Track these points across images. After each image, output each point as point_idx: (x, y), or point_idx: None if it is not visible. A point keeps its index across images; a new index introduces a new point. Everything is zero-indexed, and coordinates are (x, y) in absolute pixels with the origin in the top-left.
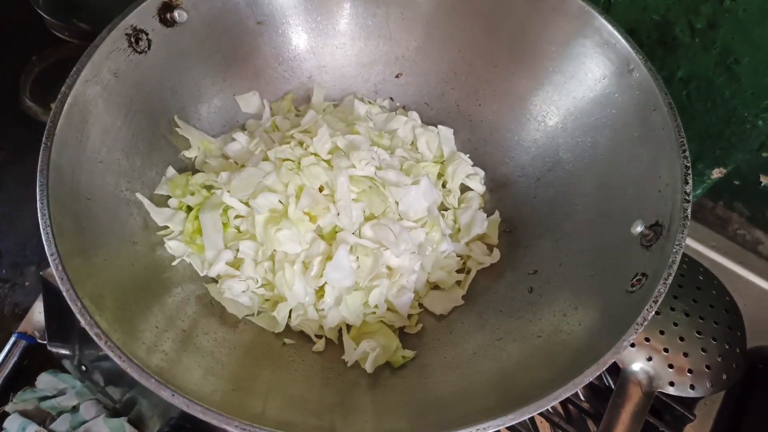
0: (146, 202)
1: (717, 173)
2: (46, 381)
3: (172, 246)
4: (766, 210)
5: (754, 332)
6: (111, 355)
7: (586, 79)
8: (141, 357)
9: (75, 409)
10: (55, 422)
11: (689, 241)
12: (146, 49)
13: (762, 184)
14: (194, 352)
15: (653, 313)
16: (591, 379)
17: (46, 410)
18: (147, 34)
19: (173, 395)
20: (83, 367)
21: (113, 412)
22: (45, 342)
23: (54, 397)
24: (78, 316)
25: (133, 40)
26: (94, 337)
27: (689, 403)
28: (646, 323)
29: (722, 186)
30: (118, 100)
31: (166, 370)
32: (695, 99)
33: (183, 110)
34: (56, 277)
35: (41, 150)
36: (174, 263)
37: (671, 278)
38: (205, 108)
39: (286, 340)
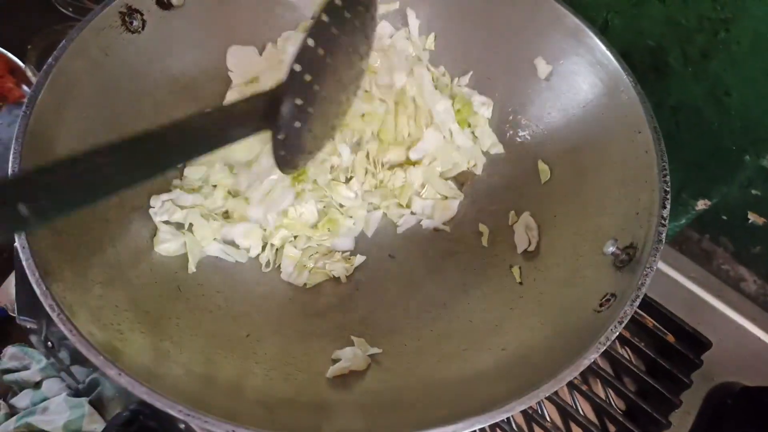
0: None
1: (702, 205)
2: (11, 354)
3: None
4: (751, 247)
5: (727, 368)
6: (63, 328)
7: (575, 97)
8: (94, 333)
9: (38, 385)
10: (17, 397)
11: (668, 270)
12: (140, 29)
13: (749, 221)
14: (155, 333)
15: (617, 333)
16: (547, 395)
17: (8, 384)
18: (142, 14)
19: (119, 374)
20: (49, 344)
21: (75, 392)
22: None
23: (18, 371)
24: (34, 286)
25: (126, 18)
26: (48, 309)
27: None
28: (609, 343)
29: (709, 220)
30: (105, 77)
31: (119, 348)
32: (683, 128)
33: (170, 92)
34: (18, 246)
35: (19, 118)
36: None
37: (638, 300)
38: (192, 93)
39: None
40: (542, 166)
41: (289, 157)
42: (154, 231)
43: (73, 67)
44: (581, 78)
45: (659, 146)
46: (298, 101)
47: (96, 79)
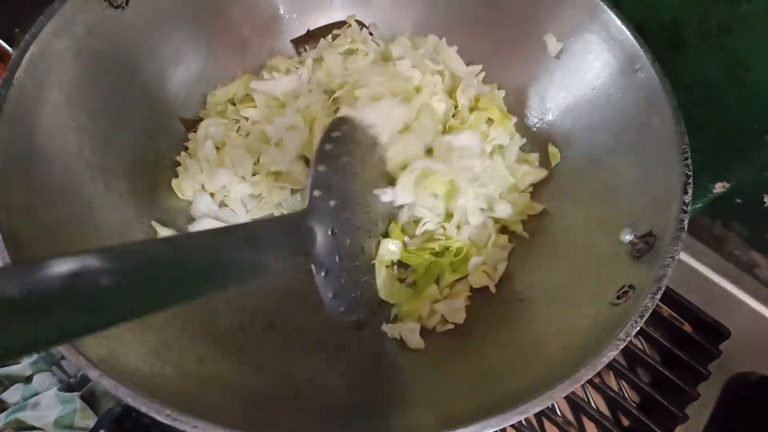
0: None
1: (720, 187)
2: None
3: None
4: (765, 232)
5: (746, 358)
6: None
7: (588, 76)
8: None
9: (28, 379)
10: (7, 392)
11: (684, 256)
12: (123, 4)
13: (765, 204)
14: (143, 330)
15: (638, 329)
16: (563, 396)
17: None
18: None
19: (101, 376)
20: None
21: (67, 387)
22: None
23: (7, 365)
24: None
25: None
26: None
27: None
28: (629, 339)
29: (722, 204)
30: (90, 56)
31: (104, 347)
32: (700, 107)
33: (159, 72)
34: None
35: None
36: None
37: (660, 293)
38: (182, 73)
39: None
40: (552, 150)
41: (342, 299)
42: (142, 220)
43: (53, 47)
44: (594, 55)
45: (680, 126)
46: (334, 228)
47: (79, 58)
